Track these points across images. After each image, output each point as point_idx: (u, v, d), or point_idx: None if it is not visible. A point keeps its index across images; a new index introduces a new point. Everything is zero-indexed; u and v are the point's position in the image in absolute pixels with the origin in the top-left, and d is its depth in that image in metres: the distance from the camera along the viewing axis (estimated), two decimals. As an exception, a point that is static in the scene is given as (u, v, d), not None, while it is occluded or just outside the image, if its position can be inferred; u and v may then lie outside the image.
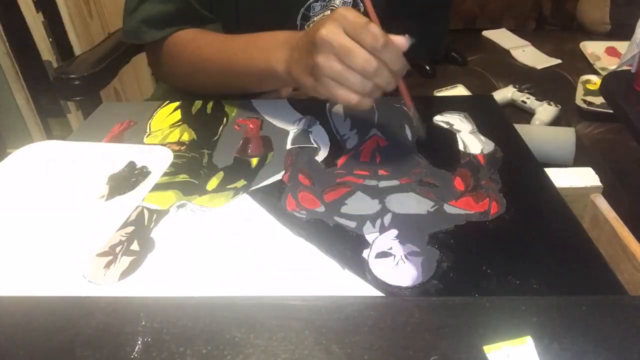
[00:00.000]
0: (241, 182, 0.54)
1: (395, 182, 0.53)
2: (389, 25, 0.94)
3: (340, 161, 0.58)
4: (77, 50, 1.66)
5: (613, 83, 0.81)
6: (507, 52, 1.64)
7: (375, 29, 0.50)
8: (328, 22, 0.52)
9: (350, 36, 0.51)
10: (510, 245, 0.45)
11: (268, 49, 0.64)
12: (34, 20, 1.61)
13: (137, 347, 0.34)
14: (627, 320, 0.35)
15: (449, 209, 0.49)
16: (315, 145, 0.61)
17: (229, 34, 0.79)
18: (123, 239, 0.47)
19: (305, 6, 0.79)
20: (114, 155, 0.59)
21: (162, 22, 0.73)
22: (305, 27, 0.81)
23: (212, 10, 0.77)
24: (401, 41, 0.52)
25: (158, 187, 0.54)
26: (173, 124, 0.68)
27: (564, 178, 0.55)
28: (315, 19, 0.81)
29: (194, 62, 0.74)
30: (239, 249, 0.45)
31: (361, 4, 0.81)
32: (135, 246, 0.46)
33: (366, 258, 0.43)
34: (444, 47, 1.10)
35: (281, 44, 0.62)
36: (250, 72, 0.67)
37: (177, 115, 0.70)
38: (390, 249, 0.44)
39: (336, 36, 0.51)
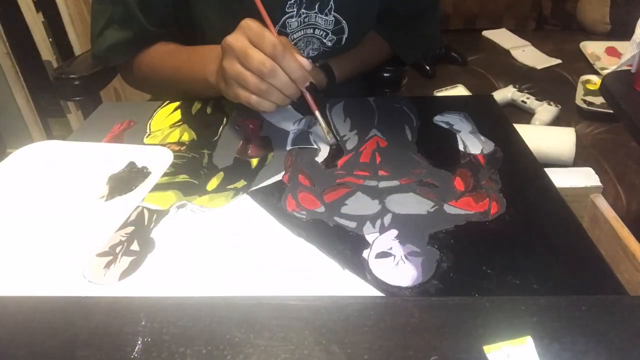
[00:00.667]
0: (241, 183, 0.54)
1: (395, 183, 0.53)
2: (383, 30, 0.93)
3: (340, 162, 0.58)
4: (77, 50, 1.66)
5: (613, 83, 0.81)
6: (507, 52, 1.64)
7: (272, 37, 0.57)
8: (235, 31, 0.59)
9: (252, 43, 0.57)
10: (510, 245, 0.45)
11: (204, 62, 0.68)
12: (34, 20, 1.61)
13: (137, 347, 0.34)
14: (627, 320, 0.35)
15: (449, 209, 0.49)
16: (315, 146, 0.61)
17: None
18: (123, 239, 0.47)
19: (281, 23, 0.77)
20: (114, 155, 0.59)
21: (124, 48, 0.79)
22: None
23: (173, 30, 0.80)
24: (303, 60, 0.59)
25: (158, 187, 0.54)
26: (173, 124, 0.68)
27: (564, 178, 0.55)
28: (294, 36, 0.79)
29: (149, 73, 0.80)
30: (239, 249, 0.45)
31: (344, 23, 0.81)
32: (135, 246, 0.46)
33: (366, 258, 0.43)
34: (439, 47, 1.10)
35: (214, 57, 0.65)
36: (192, 82, 0.72)
37: (177, 115, 0.70)
38: (390, 249, 0.44)
39: (237, 42, 0.58)
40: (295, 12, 0.76)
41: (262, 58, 0.56)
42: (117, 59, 0.81)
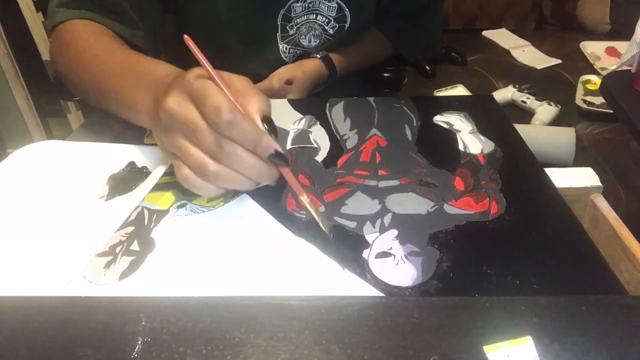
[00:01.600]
0: (241, 182, 0.54)
1: (395, 182, 0.53)
2: (385, 27, 0.94)
3: (340, 161, 0.58)
4: (77, 50, 1.65)
5: (613, 83, 0.81)
6: (507, 52, 1.64)
7: (217, 99, 0.41)
8: (174, 90, 0.43)
9: (196, 106, 0.42)
10: (510, 245, 0.45)
11: (137, 83, 0.53)
12: (34, 20, 1.61)
13: (137, 347, 0.34)
14: (627, 320, 0.35)
15: (449, 209, 0.49)
16: (315, 145, 0.61)
17: (197, 35, 0.75)
18: (123, 239, 0.47)
19: (286, 7, 0.79)
20: (114, 155, 0.59)
21: (76, 2, 0.65)
22: (287, 28, 0.81)
23: (171, 8, 0.76)
24: (256, 118, 0.43)
25: (158, 187, 0.54)
26: (173, 124, 0.67)
27: (564, 178, 0.55)
28: (297, 20, 0.81)
29: (72, 60, 0.63)
30: (239, 249, 0.45)
31: (346, 10, 0.81)
32: (135, 246, 0.46)
33: (366, 258, 0.43)
34: (440, 49, 1.11)
35: (148, 84, 0.51)
36: (116, 99, 0.57)
37: (177, 115, 0.70)
38: (390, 249, 0.44)
39: (181, 109, 0.42)
40: None
41: (214, 136, 0.41)
42: (63, 14, 0.65)
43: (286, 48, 0.84)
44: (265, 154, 0.43)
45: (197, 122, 0.41)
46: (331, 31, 0.83)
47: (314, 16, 0.81)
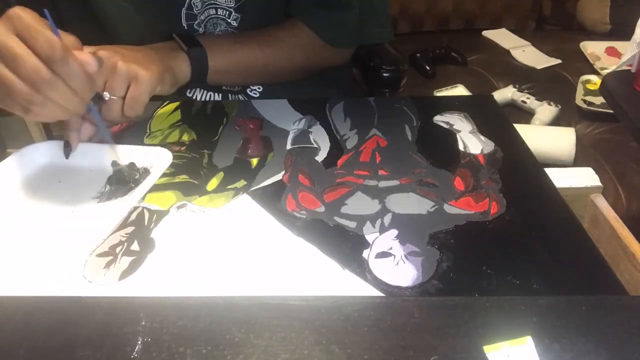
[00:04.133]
0: (241, 183, 0.54)
1: (395, 182, 0.53)
2: (300, 10, 0.81)
3: (340, 161, 0.58)
4: (77, 50, 1.65)
5: (613, 83, 0.81)
6: (507, 52, 1.64)
7: (50, 34, 0.45)
8: None
9: (23, 40, 0.45)
10: (510, 245, 0.45)
11: None
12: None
13: (137, 347, 0.34)
14: (627, 320, 0.35)
15: (449, 209, 0.49)
16: (315, 145, 0.61)
17: (110, 40, 0.69)
18: (123, 239, 0.47)
19: (186, 5, 0.72)
20: (114, 155, 0.59)
21: None
22: (195, 26, 0.74)
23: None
24: (87, 59, 0.48)
25: (158, 187, 0.54)
26: (173, 124, 0.68)
27: (564, 178, 0.55)
28: (201, 17, 0.74)
29: None
30: (239, 249, 0.45)
31: None
32: (135, 246, 0.46)
33: (366, 258, 0.43)
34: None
35: None
36: None
37: (177, 115, 0.70)
38: (390, 249, 0.44)
39: (3, 37, 0.45)
40: None
41: (36, 64, 0.45)
42: None
43: None
44: (88, 96, 0.50)
45: (20, 49, 0.45)
46: (235, 24, 0.76)
47: (214, 11, 0.74)
